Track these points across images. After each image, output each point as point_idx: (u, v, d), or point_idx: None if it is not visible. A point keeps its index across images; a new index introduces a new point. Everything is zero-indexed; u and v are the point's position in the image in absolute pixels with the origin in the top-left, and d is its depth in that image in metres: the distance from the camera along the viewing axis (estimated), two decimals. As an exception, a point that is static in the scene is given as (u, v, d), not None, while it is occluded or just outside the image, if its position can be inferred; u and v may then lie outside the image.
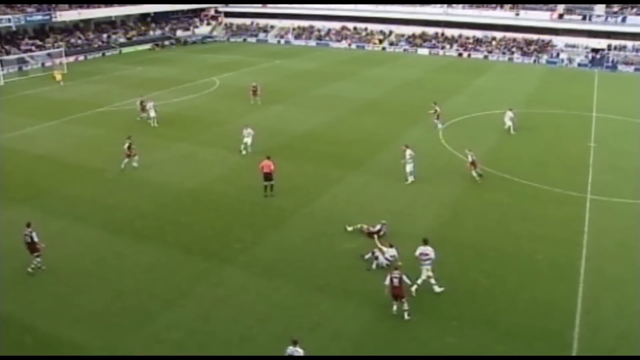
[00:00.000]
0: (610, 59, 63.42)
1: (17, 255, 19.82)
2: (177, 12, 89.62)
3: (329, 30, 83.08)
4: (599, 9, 67.71)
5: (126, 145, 28.79)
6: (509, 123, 35.41)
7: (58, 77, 52.47)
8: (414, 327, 16.40)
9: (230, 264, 19.96)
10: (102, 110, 42.25)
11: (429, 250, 17.62)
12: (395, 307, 16.66)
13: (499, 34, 72.26)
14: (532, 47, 68.80)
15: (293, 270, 19.54)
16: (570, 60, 65.17)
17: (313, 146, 33.23)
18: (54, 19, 68.61)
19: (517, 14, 71.07)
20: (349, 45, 78.46)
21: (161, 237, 21.99)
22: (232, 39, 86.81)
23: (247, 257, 20.46)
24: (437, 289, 17.82)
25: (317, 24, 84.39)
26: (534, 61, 66.52)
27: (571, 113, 41.10)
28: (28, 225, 19.08)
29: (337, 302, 17.69)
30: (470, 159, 27.38)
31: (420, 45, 74.78)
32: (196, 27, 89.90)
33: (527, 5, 70.87)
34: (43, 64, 61.46)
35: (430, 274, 17.68)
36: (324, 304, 17.57)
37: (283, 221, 23.32)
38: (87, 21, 75.77)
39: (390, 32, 79.21)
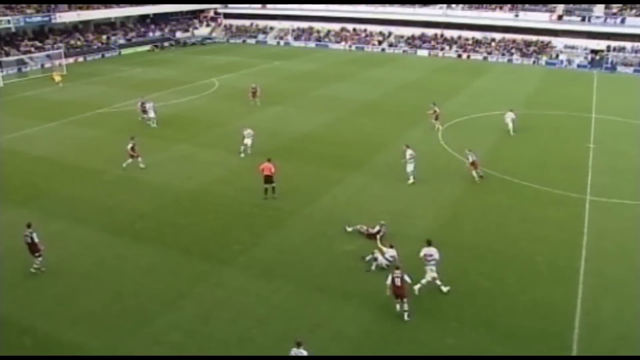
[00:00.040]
0: (610, 60, 63.45)
1: (17, 257, 19.84)
2: (176, 13, 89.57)
3: (328, 31, 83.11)
4: (598, 10, 67.78)
5: (130, 145, 28.85)
6: (510, 124, 35.51)
7: (57, 78, 52.46)
8: (414, 329, 16.41)
9: (229, 266, 19.95)
10: (102, 112, 42.26)
11: (433, 251, 17.71)
12: (398, 307, 16.71)
13: (498, 35, 72.27)
14: (531, 49, 68.85)
15: (292, 271, 19.53)
16: (569, 61, 65.20)
17: (312, 147, 33.24)
18: (53, 21, 68.61)
19: (517, 15, 71.12)
20: (350, 46, 78.42)
21: (161, 238, 21.99)
22: (231, 41, 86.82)
23: (246, 258, 20.45)
24: (444, 288, 17.89)
25: (317, 25, 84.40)
26: (534, 62, 66.57)
27: (570, 114, 41.13)
28: (29, 226, 19.07)
29: (336, 303, 17.69)
30: (470, 159, 27.41)
31: (420, 47, 74.81)
32: (195, 28, 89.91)
33: (526, 7, 70.94)
34: (42, 65, 61.47)
35: (435, 274, 17.75)
36: (324, 306, 17.57)
37: (282, 222, 23.32)
38: (86, 22, 75.74)
39: (390, 34, 79.26)
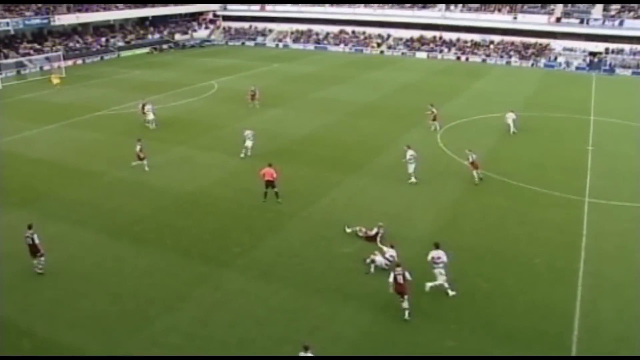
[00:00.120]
0: (608, 63, 63.59)
1: (15, 259, 19.84)
2: (175, 15, 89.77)
3: (327, 34, 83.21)
4: (597, 12, 68.01)
5: (138, 147, 29.01)
6: (511, 124, 35.72)
7: (55, 80, 52.29)
8: (413, 331, 16.40)
9: (228, 268, 19.94)
10: (101, 114, 42.26)
11: (440, 253, 17.78)
12: (402, 304, 16.78)
13: (497, 38, 72.45)
14: (530, 51, 68.98)
15: (291, 273, 19.52)
16: (568, 63, 65.31)
17: (311, 149, 33.25)
18: (52, 23, 68.74)
19: (515, 18, 71.33)
20: (350, 48, 78.46)
21: (160, 240, 21.97)
22: (230, 43, 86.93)
23: (245, 260, 20.44)
24: (450, 292, 17.91)
25: (316, 27, 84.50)
26: (532, 64, 66.68)
27: (569, 116, 41.19)
28: (29, 227, 19.08)
29: (335, 305, 17.68)
30: (470, 159, 27.46)
31: (419, 49, 74.91)
32: (194, 30, 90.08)
33: (525, 9, 71.20)
34: (41, 68, 61.57)
35: (444, 277, 17.81)
36: (323, 308, 17.56)
37: (282, 225, 23.32)
38: (85, 25, 75.86)
39: (389, 36, 79.38)
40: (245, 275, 19.48)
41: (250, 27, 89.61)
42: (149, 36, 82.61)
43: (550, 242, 21.71)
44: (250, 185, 26.50)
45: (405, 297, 16.65)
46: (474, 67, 65.44)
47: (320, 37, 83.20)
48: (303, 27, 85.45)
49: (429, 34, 76.69)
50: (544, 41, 69.41)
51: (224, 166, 30.44)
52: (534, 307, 17.53)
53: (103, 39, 75.77)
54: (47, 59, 63.47)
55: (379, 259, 19.39)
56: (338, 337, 16.14)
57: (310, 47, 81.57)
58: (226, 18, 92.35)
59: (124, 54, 74.30)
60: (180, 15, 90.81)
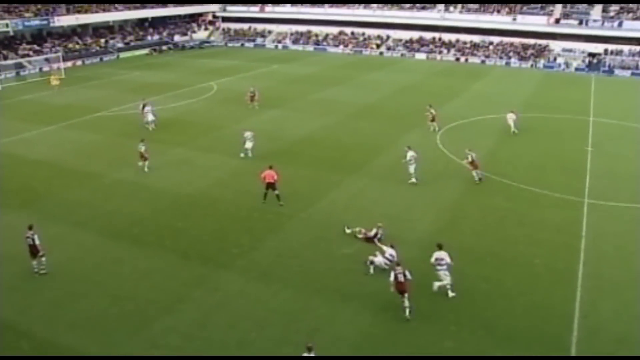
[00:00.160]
0: (607, 64, 63.62)
1: (14, 260, 19.83)
2: (174, 17, 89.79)
3: (327, 35, 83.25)
4: (596, 13, 68.07)
5: (143, 148, 29.04)
6: (512, 124, 35.86)
7: (54, 82, 52.21)
8: (413, 332, 16.40)
9: (227, 269, 19.93)
10: (100, 115, 42.25)
11: (443, 254, 17.81)
12: (403, 303, 16.81)
13: (496, 39, 72.44)
14: (529, 52, 68.98)
15: (291, 275, 19.51)
16: (567, 64, 65.35)
17: (311, 151, 33.25)
18: (51, 24, 68.73)
19: (514, 19, 71.34)
20: (351, 50, 78.45)
21: (159, 242, 21.96)
22: (229, 44, 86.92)
23: (245, 262, 20.43)
24: (450, 293, 17.92)
25: (315, 28, 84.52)
26: (531, 65, 66.67)
27: (568, 117, 41.21)
28: (30, 228, 19.10)
29: (335, 306, 17.67)
30: (469, 159, 27.48)
31: (418, 50, 74.93)
32: (194, 32, 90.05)
33: (524, 10, 71.24)
34: (41, 69, 61.55)
35: (449, 278, 17.85)
36: (322, 309, 17.55)
37: (281, 226, 23.31)
38: (84, 26, 75.84)
39: (388, 37, 79.40)
40: (244, 276, 19.47)
41: (250, 28, 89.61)
42: (148, 37, 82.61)
43: (549, 243, 21.72)
44: (249, 186, 26.49)
45: (406, 295, 16.71)
46: (473, 68, 65.47)
47: (320, 38, 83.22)
48: (302, 28, 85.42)
49: (428, 35, 76.67)
50: (543, 42, 69.43)
51: (223, 167, 30.43)
52: (534, 308, 17.54)
53: (102, 40, 75.77)
54: (46, 60, 63.52)
55: (378, 259, 19.37)
56: (338, 338, 16.13)
57: (310, 48, 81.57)
58: (225, 19, 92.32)
59: (123, 55, 74.25)
60: (179, 16, 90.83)
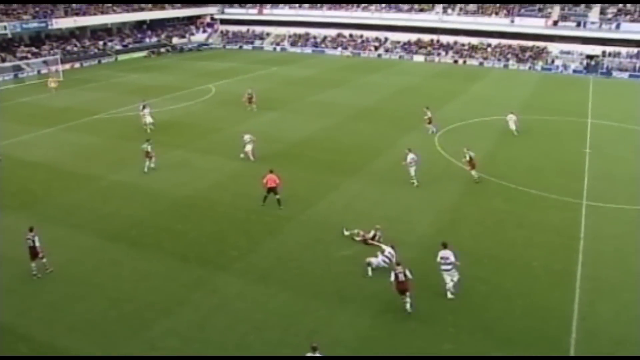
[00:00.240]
0: (605, 66, 63.78)
1: (13, 263, 19.81)
2: (173, 19, 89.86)
3: (325, 37, 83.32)
4: (594, 15, 68.21)
5: (149, 148, 29.13)
6: (512, 125, 35.99)
7: (52, 84, 52.18)
8: (411, 334, 16.40)
9: (226, 272, 19.90)
10: (98, 118, 42.23)
11: (448, 253, 17.83)
12: (405, 303, 16.84)
13: (494, 41, 72.57)
14: (527, 54, 69.11)
15: (289, 277, 19.50)
16: (565, 66, 65.51)
17: (309, 153, 33.25)
18: (49, 27, 68.71)
19: (512, 21, 71.48)
20: (350, 52, 78.47)
21: (157, 244, 21.94)
22: (228, 46, 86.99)
23: (243, 264, 20.41)
24: (450, 295, 17.93)
25: (313, 31, 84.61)
26: (529, 68, 66.81)
27: (566, 119, 41.29)
28: (31, 230, 19.10)
29: (333, 309, 17.66)
30: (467, 158, 27.53)
31: (416, 52, 75.04)
32: (192, 34, 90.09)
33: (521, 12, 71.41)
34: (39, 72, 61.49)
35: (455, 278, 17.90)
36: (321, 311, 17.54)
37: (279, 228, 23.30)
38: (83, 28, 75.86)
39: (386, 39, 79.48)
40: (243, 279, 19.45)
41: (248, 30, 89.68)
42: (147, 40, 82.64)
43: (548, 245, 21.74)
44: (248, 188, 26.50)
45: (407, 294, 16.77)
46: (471, 70, 65.58)
47: (318, 40, 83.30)
48: (300, 30, 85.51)
49: (426, 37, 76.78)
50: (541, 44, 69.52)
51: (222, 170, 30.42)
52: (532, 310, 17.54)
53: (101, 43, 75.76)
54: (44, 62, 63.50)
55: (375, 260, 19.34)
56: (337, 340, 16.11)
57: (308, 50, 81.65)
58: (224, 22, 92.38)
59: (121, 57, 74.25)
60: (177, 19, 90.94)
